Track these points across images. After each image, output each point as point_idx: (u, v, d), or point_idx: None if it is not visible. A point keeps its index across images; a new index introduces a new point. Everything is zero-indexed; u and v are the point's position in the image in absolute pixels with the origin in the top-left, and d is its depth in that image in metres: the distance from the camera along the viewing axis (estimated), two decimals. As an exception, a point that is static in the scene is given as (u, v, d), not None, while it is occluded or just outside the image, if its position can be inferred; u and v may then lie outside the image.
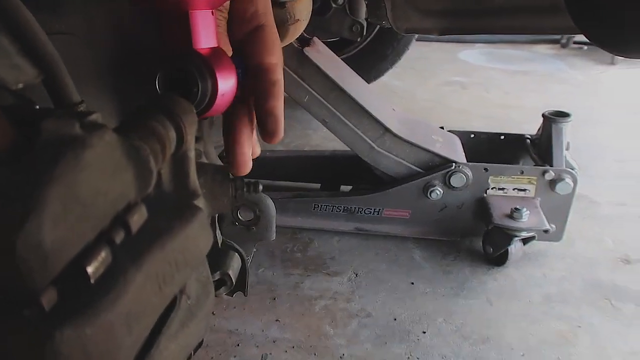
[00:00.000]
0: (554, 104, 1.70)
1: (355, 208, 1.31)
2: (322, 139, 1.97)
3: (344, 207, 1.31)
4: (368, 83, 1.81)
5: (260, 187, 0.44)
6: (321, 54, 1.28)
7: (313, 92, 1.21)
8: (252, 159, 0.44)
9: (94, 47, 0.40)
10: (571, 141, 1.29)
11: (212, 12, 0.39)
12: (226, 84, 0.40)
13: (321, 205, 1.31)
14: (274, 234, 0.51)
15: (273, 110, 0.41)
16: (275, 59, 0.42)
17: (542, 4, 0.57)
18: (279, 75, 0.42)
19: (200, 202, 0.37)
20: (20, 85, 0.29)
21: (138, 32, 0.43)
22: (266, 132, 0.42)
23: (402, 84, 2.69)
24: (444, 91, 2.61)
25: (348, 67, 1.40)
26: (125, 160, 0.26)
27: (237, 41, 0.44)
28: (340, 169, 1.47)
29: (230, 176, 0.42)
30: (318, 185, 1.52)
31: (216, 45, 0.40)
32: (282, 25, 0.79)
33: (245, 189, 0.42)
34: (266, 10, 0.43)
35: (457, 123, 1.68)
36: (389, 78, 2.42)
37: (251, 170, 0.43)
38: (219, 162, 0.46)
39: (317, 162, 1.50)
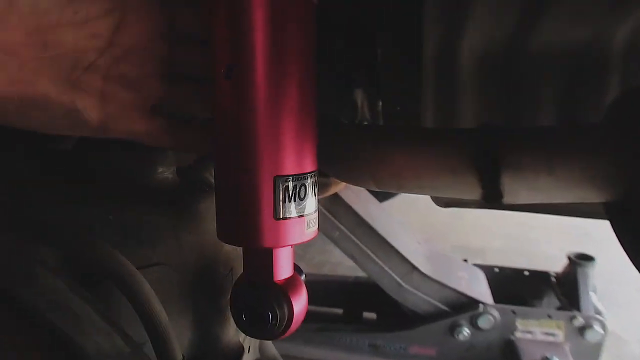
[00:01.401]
0: (573, 223, 1.71)
1: (380, 343, 1.29)
2: (342, 256, 1.98)
3: (369, 342, 1.29)
4: (382, 202, 1.86)
5: None
6: (349, 188, 1.34)
7: (342, 228, 1.25)
8: None
9: (181, 272, 0.43)
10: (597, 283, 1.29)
11: (292, 246, 0.43)
12: (300, 310, 0.43)
13: (346, 338, 1.30)
14: None
15: None
16: None
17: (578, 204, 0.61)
18: None
19: None
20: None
21: (220, 253, 0.47)
22: None
23: (416, 198, 2.75)
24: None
25: (375, 198, 1.46)
26: None
27: None
28: (364, 296, 1.47)
29: None
30: (340, 310, 1.51)
31: (292, 274, 0.43)
32: (325, 186, 0.85)
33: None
34: None
35: (476, 242, 1.69)
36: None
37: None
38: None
39: (341, 288, 1.50)
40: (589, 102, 0.73)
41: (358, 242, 1.25)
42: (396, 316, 1.31)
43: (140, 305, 0.32)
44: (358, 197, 1.35)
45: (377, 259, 1.26)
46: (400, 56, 0.86)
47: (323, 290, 1.50)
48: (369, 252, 1.26)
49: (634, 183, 0.49)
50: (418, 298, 1.26)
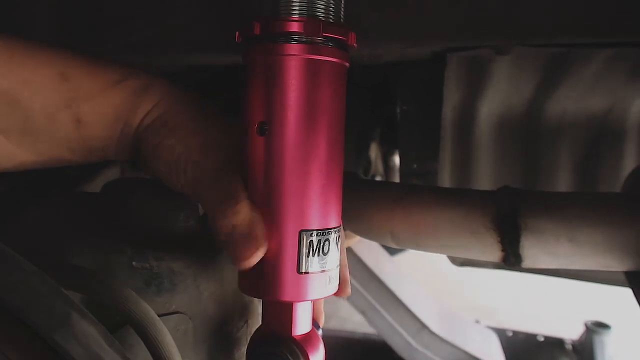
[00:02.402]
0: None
1: (387, 405, 1.24)
2: (351, 311, 1.95)
3: (376, 403, 1.25)
4: (393, 255, 1.84)
5: None
6: (361, 241, 1.33)
7: (353, 281, 1.24)
8: None
9: (198, 321, 0.43)
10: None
11: (312, 301, 0.43)
12: (317, 367, 0.42)
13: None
14: None
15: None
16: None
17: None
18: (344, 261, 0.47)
19: None
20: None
21: (238, 303, 0.47)
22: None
23: (426, 253, 2.71)
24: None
25: (384, 250, 1.44)
26: None
27: None
28: (371, 355, 1.43)
29: None
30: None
31: (310, 330, 0.43)
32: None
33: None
34: None
35: (486, 302, 1.65)
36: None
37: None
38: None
39: (348, 345, 1.47)
40: (605, 170, 0.74)
41: (368, 296, 1.23)
42: (405, 377, 1.26)
43: (158, 353, 0.32)
44: (369, 250, 1.34)
45: (387, 315, 1.23)
46: (420, 115, 0.88)
47: (329, 346, 1.46)
48: (379, 307, 1.24)
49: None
50: (428, 358, 1.22)
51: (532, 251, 0.52)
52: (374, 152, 1.61)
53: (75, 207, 0.47)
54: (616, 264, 0.51)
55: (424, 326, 1.23)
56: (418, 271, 2.29)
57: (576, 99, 0.69)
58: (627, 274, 0.54)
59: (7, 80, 0.35)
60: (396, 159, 1.42)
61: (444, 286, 2.28)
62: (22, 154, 0.38)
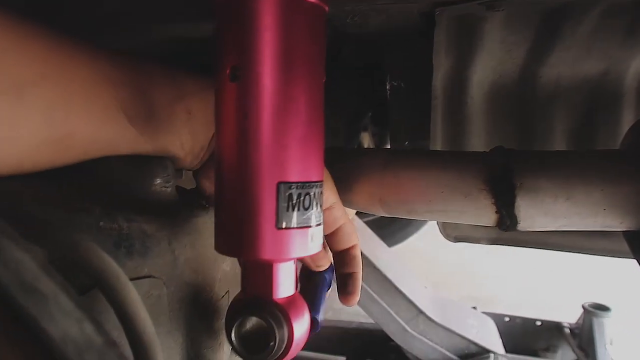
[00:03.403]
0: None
1: (384, 393, 1.22)
2: (346, 302, 1.92)
3: (373, 391, 1.22)
4: (391, 246, 1.82)
5: None
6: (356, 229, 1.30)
7: (347, 268, 1.21)
8: None
9: (173, 286, 0.40)
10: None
11: (294, 261, 0.40)
12: (302, 333, 0.39)
13: (348, 387, 1.23)
14: None
15: (353, 274, 0.50)
16: (354, 242, 0.51)
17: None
18: (357, 252, 0.51)
19: None
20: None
21: (217, 271, 0.44)
22: (346, 292, 0.50)
23: (423, 246, 2.69)
24: (469, 254, 2.60)
25: (381, 241, 1.42)
26: None
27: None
28: (367, 344, 1.40)
29: None
30: (343, 358, 1.44)
31: (294, 293, 0.40)
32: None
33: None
34: (342, 212, 0.50)
35: (484, 292, 1.63)
36: (411, 238, 2.43)
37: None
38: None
39: (343, 334, 1.44)
40: (602, 136, 0.71)
41: (363, 283, 1.20)
42: (401, 365, 1.24)
43: (122, 309, 0.29)
44: (364, 239, 1.31)
45: (382, 302, 1.21)
46: (410, 91, 0.86)
47: (325, 336, 1.44)
48: (374, 294, 1.21)
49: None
50: (424, 345, 1.19)
51: (528, 212, 0.49)
52: (365, 140, 1.59)
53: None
54: (616, 224, 0.48)
55: (420, 312, 1.21)
56: (413, 262, 2.27)
57: (571, 63, 0.67)
58: (626, 234, 0.52)
59: (135, 72, 0.39)
60: (388, 144, 1.40)
61: (440, 279, 2.26)
62: (142, 143, 0.40)
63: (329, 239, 0.51)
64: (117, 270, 0.30)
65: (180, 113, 0.42)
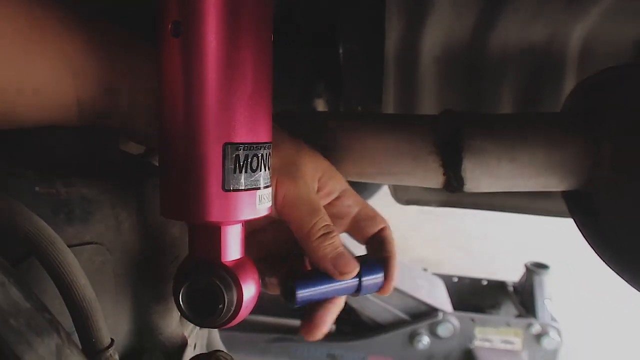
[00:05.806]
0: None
1: (338, 353, 1.25)
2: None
3: (327, 352, 1.25)
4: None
5: None
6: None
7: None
8: None
9: (118, 252, 0.39)
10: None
11: (243, 224, 0.39)
12: (251, 296, 0.39)
13: (303, 349, 1.26)
14: None
15: (386, 260, 0.48)
16: (380, 225, 0.51)
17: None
18: (387, 234, 0.50)
19: None
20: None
21: (165, 236, 0.43)
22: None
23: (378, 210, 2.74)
24: (422, 219, 2.67)
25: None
26: None
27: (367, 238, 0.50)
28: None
29: None
30: (298, 322, 1.46)
31: (242, 256, 0.40)
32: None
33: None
34: (354, 199, 0.50)
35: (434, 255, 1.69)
36: (368, 205, 2.48)
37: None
38: None
39: (299, 299, 1.46)
40: (546, 101, 0.73)
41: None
42: (355, 325, 1.27)
43: (59, 277, 0.28)
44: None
45: (336, 266, 1.23)
46: (362, 53, 0.85)
47: (279, 300, 1.46)
48: (328, 259, 1.23)
49: (595, 170, 0.49)
50: (377, 306, 1.23)
51: (473, 173, 0.50)
52: (320, 107, 1.58)
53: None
54: (556, 184, 0.50)
55: (372, 274, 1.24)
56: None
57: (518, 28, 0.68)
58: (565, 194, 0.54)
59: (85, 27, 0.36)
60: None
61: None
62: (85, 102, 0.38)
63: (351, 230, 0.50)
64: (52, 236, 0.28)
65: (123, 71, 0.39)
